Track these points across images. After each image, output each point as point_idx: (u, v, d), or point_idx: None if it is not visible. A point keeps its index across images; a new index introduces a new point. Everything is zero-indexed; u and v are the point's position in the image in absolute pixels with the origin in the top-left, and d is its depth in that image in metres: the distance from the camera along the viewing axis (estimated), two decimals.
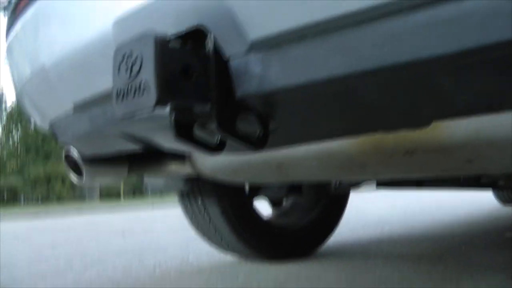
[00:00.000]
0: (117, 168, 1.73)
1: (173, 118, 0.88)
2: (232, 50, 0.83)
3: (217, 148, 0.97)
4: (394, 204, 6.74)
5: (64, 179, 17.56)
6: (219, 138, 0.97)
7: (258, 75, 0.80)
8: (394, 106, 0.81)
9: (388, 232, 3.61)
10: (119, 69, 0.84)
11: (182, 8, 0.85)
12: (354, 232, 3.64)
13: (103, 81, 1.10)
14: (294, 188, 2.75)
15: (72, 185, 18.33)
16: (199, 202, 2.40)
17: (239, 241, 2.43)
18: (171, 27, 0.88)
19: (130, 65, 0.81)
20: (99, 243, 3.97)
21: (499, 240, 2.99)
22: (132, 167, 1.78)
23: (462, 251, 2.59)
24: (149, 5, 0.92)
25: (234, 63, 0.84)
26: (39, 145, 17.53)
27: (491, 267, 2.06)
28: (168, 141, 1.24)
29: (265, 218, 2.62)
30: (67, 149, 1.65)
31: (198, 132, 0.96)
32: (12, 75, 1.63)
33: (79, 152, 1.62)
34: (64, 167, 1.77)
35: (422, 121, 0.85)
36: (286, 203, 2.84)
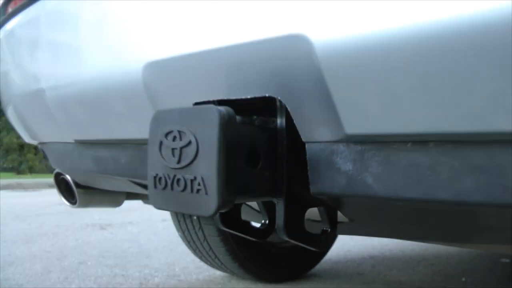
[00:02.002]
0: (114, 196, 1.53)
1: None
2: (313, 135, 0.63)
3: (265, 234, 0.78)
4: None
5: (37, 149, 17.03)
6: (266, 221, 0.78)
7: (349, 173, 0.61)
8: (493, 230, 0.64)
9: (378, 245, 3.51)
10: (160, 147, 0.63)
11: (255, 67, 0.64)
12: (344, 243, 3.52)
13: (119, 128, 0.89)
14: None
15: (45, 156, 17.79)
16: (194, 219, 2.22)
17: (234, 261, 2.28)
18: (227, 87, 0.68)
19: (178, 147, 0.61)
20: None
21: (495, 266, 2.92)
22: (131, 194, 1.58)
23: (463, 282, 2.49)
24: (203, 53, 0.70)
25: (312, 150, 0.64)
26: None
27: None
28: None
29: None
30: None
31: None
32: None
33: (72, 178, 1.41)
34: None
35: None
36: None
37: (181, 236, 2.37)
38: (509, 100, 0.47)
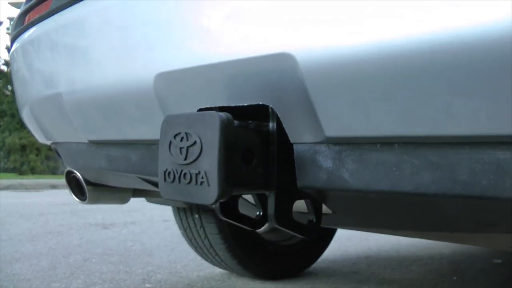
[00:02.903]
0: (122, 193, 1.63)
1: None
2: (299, 137, 0.75)
3: (259, 223, 0.89)
4: None
5: (39, 150, 17.05)
6: (261, 213, 0.89)
7: (329, 169, 0.72)
8: (468, 218, 0.75)
9: (374, 247, 3.60)
10: (169, 146, 0.74)
11: (250, 79, 0.76)
12: (341, 244, 3.62)
13: (131, 130, 1.00)
14: None
15: (47, 157, 17.84)
16: (195, 217, 2.32)
17: (233, 258, 2.37)
18: (227, 96, 0.79)
19: (185, 146, 0.72)
20: None
21: (487, 266, 3.01)
22: (137, 192, 1.68)
23: (454, 281, 2.59)
24: (206, 67, 0.82)
25: (299, 150, 0.75)
26: (15, 111, 16.96)
27: None
28: None
29: (258, 233, 2.56)
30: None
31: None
32: (15, 82, 1.51)
33: (83, 176, 1.51)
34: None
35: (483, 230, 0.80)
36: None
37: (183, 234, 2.46)
38: (455, 110, 0.58)
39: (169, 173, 0.75)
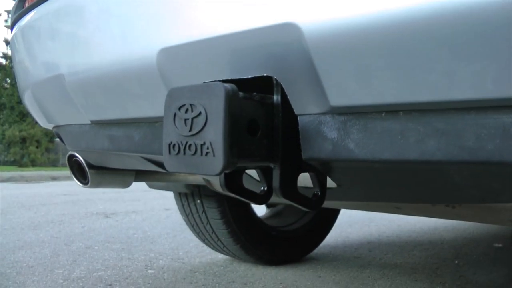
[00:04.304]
0: (124, 176, 1.64)
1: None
2: (304, 108, 0.75)
3: (264, 198, 0.90)
4: None
5: (39, 142, 17.06)
6: (265, 187, 0.90)
7: (334, 140, 0.72)
8: (473, 187, 0.75)
9: (376, 233, 3.62)
10: (174, 118, 0.74)
11: (254, 51, 0.76)
12: (343, 231, 3.63)
13: (134, 108, 1.00)
14: None
15: (47, 149, 17.84)
16: (197, 202, 2.32)
17: (236, 243, 2.37)
18: (230, 69, 0.79)
19: (190, 118, 0.72)
20: None
21: (488, 250, 3.02)
22: (139, 175, 1.68)
23: (455, 264, 2.60)
24: (209, 40, 0.81)
25: (303, 122, 0.75)
26: (14, 103, 16.92)
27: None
28: None
29: (260, 218, 2.57)
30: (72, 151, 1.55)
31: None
32: (16, 66, 1.50)
33: (85, 159, 1.52)
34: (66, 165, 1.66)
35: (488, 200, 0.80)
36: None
37: (185, 220, 2.47)
38: (459, 74, 0.58)
39: (173, 145, 0.75)
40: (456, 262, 2.66)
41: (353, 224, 3.92)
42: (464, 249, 3.03)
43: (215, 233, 2.37)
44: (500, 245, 3.16)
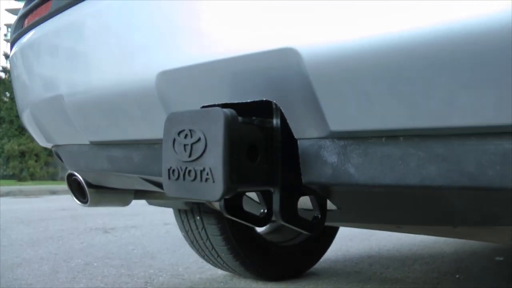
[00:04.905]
0: (123, 195, 1.63)
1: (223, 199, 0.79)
2: (304, 132, 0.74)
3: (264, 221, 0.89)
4: None
5: (38, 156, 17.04)
6: (265, 210, 0.89)
7: (334, 164, 0.72)
8: (473, 210, 0.75)
9: (376, 246, 3.60)
10: (173, 144, 0.74)
11: (253, 76, 0.76)
12: (343, 244, 3.62)
13: (133, 129, 1.00)
14: None
15: (46, 163, 17.81)
16: (197, 219, 2.31)
17: (236, 260, 2.36)
18: (229, 93, 0.79)
19: (189, 143, 0.72)
20: None
21: (489, 264, 3.01)
22: (138, 194, 1.68)
23: (457, 279, 2.58)
24: (208, 64, 0.81)
25: (303, 146, 0.75)
26: (13, 117, 16.96)
27: None
28: None
29: (260, 234, 2.55)
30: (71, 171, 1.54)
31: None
32: (16, 85, 1.50)
33: (84, 178, 1.51)
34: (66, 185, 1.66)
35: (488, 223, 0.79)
36: None
37: (184, 236, 2.46)
38: (460, 101, 0.58)
39: (173, 170, 0.74)
40: (457, 276, 2.65)
41: (353, 238, 3.90)
42: (465, 263, 3.01)
43: (214, 250, 2.36)
44: (501, 258, 3.14)
